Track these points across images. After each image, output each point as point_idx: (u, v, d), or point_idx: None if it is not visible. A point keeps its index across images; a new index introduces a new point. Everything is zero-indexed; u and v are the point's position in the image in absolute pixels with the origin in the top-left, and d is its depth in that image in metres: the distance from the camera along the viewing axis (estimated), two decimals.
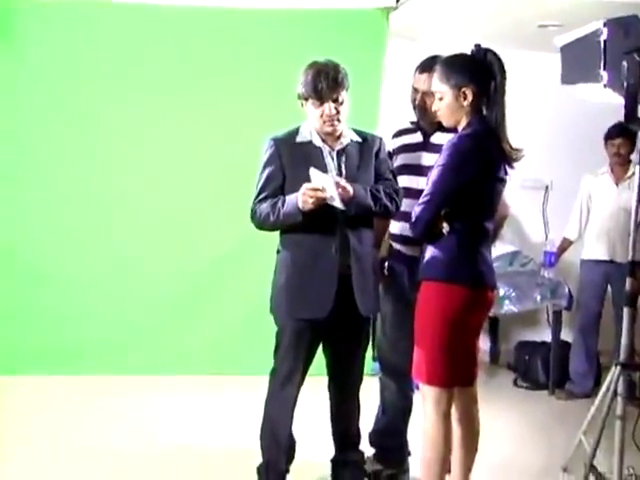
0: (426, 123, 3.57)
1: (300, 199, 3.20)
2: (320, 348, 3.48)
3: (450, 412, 3.11)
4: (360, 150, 3.40)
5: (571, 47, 3.39)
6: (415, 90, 3.59)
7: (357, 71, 4.45)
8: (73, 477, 3.68)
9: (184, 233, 5.11)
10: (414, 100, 3.60)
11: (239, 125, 4.86)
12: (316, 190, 3.17)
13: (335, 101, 3.25)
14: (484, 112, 3.01)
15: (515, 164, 3.01)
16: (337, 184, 3.17)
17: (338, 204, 3.17)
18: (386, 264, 3.69)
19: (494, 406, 4.92)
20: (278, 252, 3.43)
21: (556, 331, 5.35)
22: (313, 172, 3.19)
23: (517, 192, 5.57)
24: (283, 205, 3.28)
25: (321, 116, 3.27)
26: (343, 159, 3.35)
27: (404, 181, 3.54)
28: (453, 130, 3.11)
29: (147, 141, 5.06)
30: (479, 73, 2.99)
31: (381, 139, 3.49)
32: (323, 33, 4.96)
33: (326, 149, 3.35)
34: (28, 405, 4.53)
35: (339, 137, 3.36)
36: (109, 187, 5.05)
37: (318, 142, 3.35)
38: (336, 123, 3.29)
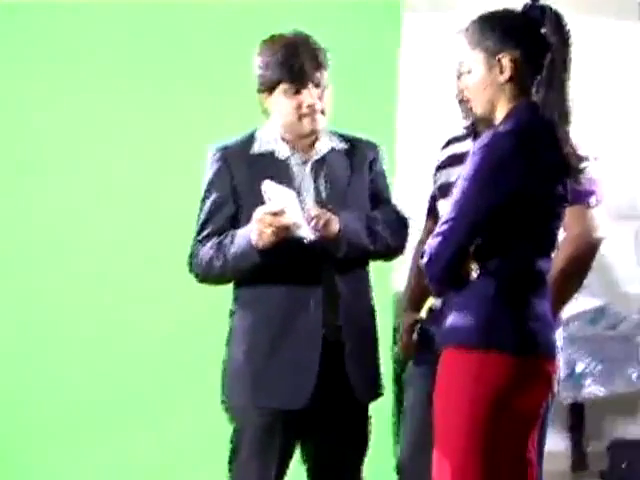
0: (477, 123, 3.39)
1: (254, 231, 2.96)
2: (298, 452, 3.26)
3: None
4: (347, 161, 3.22)
5: None
6: (458, 77, 3.40)
7: (363, 64, 4.50)
8: None
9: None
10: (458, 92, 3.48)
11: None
12: (275, 215, 2.93)
13: (317, 86, 3.10)
14: (534, 96, 2.81)
15: (582, 178, 2.81)
16: (310, 211, 2.98)
17: (306, 234, 2.95)
18: (418, 325, 3.54)
19: None
20: (232, 314, 3.21)
21: None
22: (268, 186, 2.97)
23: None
24: (232, 243, 3.07)
25: (298, 108, 3.08)
26: (322, 175, 3.16)
27: (446, 206, 3.33)
28: None
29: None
30: (527, 36, 2.77)
31: (377, 146, 3.30)
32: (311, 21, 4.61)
33: (296, 161, 3.15)
34: None
35: (314, 143, 3.16)
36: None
37: (285, 151, 3.15)
38: (319, 117, 3.11)
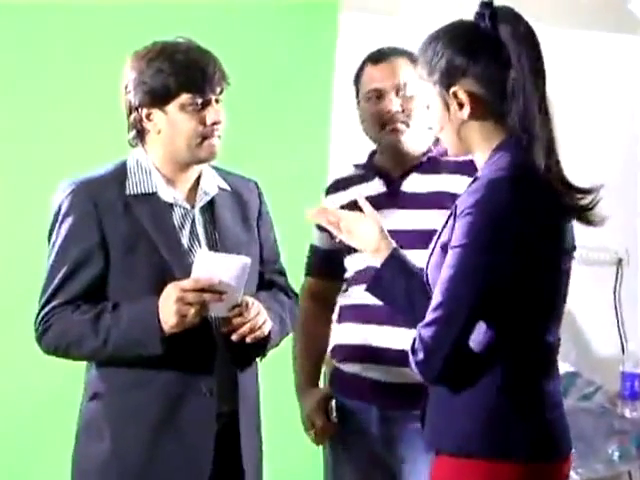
0: (389, 157, 3.11)
1: (170, 310, 2.62)
2: None
3: None
4: (236, 206, 2.97)
5: None
6: (367, 97, 3.15)
7: (298, 65, 4.48)
8: None
9: None
10: (365, 118, 3.18)
11: None
12: (200, 290, 2.65)
13: (218, 102, 2.86)
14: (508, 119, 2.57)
15: (591, 215, 2.58)
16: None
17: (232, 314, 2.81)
18: (332, 403, 3.28)
19: None
20: (93, 399, 2.85)
21: None
22: (203, 256, 2.73)
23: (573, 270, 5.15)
24: (119, 321, 2.72)
25: (200, 127, 2.78)
26: (215, 224, 2.90)
27: (358, 263, 3.10)
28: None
29: None
30: (482, 55, 2.51)
31: (257, 185, 3.07)
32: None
33: (183, 205, 2.84)
34: None
35: (197, 180, 2.87)
36: None
37: (169, 193, 2.80)
38: (217, 142, 2.83)
